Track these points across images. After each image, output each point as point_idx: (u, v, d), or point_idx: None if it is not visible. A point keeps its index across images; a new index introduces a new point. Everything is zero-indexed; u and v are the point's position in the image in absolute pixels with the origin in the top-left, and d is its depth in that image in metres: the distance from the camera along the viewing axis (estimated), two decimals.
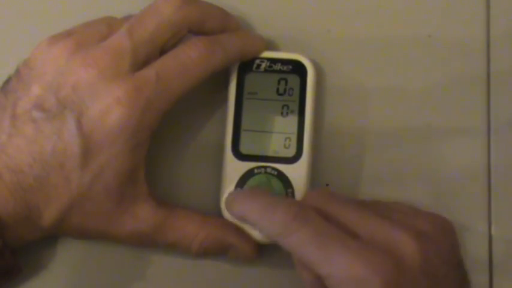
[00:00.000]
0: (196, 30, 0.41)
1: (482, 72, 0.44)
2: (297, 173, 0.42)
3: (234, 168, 0.42)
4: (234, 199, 0.41)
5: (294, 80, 0.42)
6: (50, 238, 0.41)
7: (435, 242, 0.37)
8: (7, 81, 0.40)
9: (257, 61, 0.43)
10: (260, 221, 0.38)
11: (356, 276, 0.35)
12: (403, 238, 0.36)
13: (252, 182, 0.42)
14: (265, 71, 0.43)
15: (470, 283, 0.39)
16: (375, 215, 0.38)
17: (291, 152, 0.42)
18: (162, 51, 0.40)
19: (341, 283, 0.35)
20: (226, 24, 0.43)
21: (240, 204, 0.40)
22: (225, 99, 0.43)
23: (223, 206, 0.42)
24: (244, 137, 0.42)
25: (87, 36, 0.40)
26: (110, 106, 0.38)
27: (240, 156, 0.42)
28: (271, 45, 0.44)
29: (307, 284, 0.39)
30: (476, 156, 0.44)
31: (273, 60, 0.43)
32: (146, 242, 0.41)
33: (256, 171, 0.42)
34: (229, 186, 0.42)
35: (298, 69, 0.42)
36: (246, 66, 0.43)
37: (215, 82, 0.43)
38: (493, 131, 0.44)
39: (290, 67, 0.43)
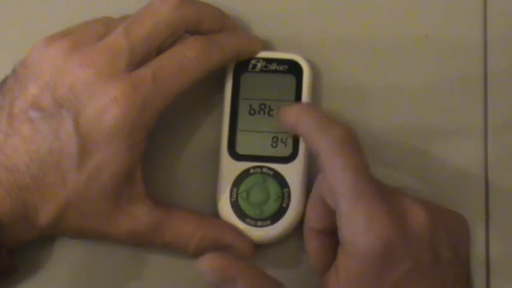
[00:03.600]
0: (193, 30, 0.41)
1: (479, 73, 0.44)
2: (293, 172, 0.42)
3: (230, 168, 0.42)
4: (289, 109, 0.40)
5: (289, 80, 0.42)
6: (46, 237, 0.42)
7: (444, 222, 0.38)
8: (4, 81, 0.41)
9: (253, 61, 0.43)
10: (316, 134, 0.38)
11: (370, 222, 0.36)
12: (415, 208, 0.37)
13: (248, 181, 0.42)
14: (261, 71, 0.43)
15: (472, 285, 0.39)
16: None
17: (287, 152, 0.42)
18: (159, 51, 0.41)
19: (353, 222, 0.36)
20: (223, 24, 0.43)
21: (296, 114, 0.40)
22: (221, 99, 0.43)
23: (220, 206, 0.42)
24: (240, 137, 0.42)
25: (84, 36, 0.41)
26: (106, 106, 0.38)
27: (236, 156, 0.42)
28: (267, 46, 0.44)
29: (312, 251, 0.40)
30: (474, 156, 0.44)
31: (269, 60, 0.43)
32: (143, 242, 0.41)
33: (252, 171, 0.42)
34: (225, 186, 0.42)
35: (294, 69, 0.43)
36: (242, 66, 0.43)
37: (211, 82, 0.43)
38: (490, 131, 0.44)
39: (286, 67, 0.43)
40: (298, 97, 0.42)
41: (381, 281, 0.36)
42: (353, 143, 0.37)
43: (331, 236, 0.39)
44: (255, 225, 0.41)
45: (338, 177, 0.37)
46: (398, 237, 0.36)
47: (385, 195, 0.37)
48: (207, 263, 0.36)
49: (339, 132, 0.37)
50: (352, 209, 0.36)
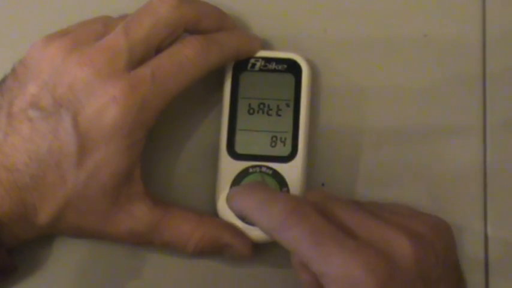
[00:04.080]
0: (192, 29, 0.41)
1: (478, 72, 0.44)
2: (292, 171, 0.42)
3: (229, 168, 0.42)
4: (233, 195, 0.40)
5: (288, 79, 0.43)
6: (45, 237, 0.41)
7: (430, 243, 0.37)
8: (3, 80, 0.41)
9: (252, 60, 0.43)
10: (257, 215, 0.38)
11: (351, 276, 0.35)
12: (398, 239, 0.36)
13: (247, 181, 0.42)
14: (260, 70, 0.43)
15: (466, 284, 0.39)
16: (371, 215, 0.38)
17: (286, 151, 0.42)
18: (158, 50, 0.40)
19: (335, 281, 0.35)
20: (222, 23, 0.43)
21: (239, 199, 0.40)
22: (220, 98, 0.43)
23: (219, 205, 0.42)
24: (239, 137, 0.42)
25: (83, 36, 0.40)
26: (105, 105, 0.38)
27: (235, 155, 0.42)
28: (266, 45, 0.44)
29: (304, 283, 0.39)
30: (472, 156, 0.44)
31: (268, 60, 0.43)
32: (142, 241, 0.41)
33: (251, 170, 0.42)
34: (224, 186, 0.42)
35: (293, 68, 0.43)
36: (241, 65, 0.43)
37: (210, 81, 0.43)
38: (489, 130, 0.44)
39: (285, 66, 0.43)
40: (297, 96, 0.42)
41: None
42: (297, 209, 0.37)
43: None
44: (254, 225, 0.41)
45: (298, 248, 0.36)
46: (387, 277, 0.35)
47: (360, 236, 0.36)
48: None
49: (276, 209, 0.37)
50: (329, 268, 0.35)
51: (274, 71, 0.43)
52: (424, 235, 0.37)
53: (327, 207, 0.38)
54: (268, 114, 0.42)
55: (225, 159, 0.42)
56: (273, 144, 0.42)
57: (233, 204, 0.40)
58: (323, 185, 0.44)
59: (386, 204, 0.41)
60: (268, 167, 0.42)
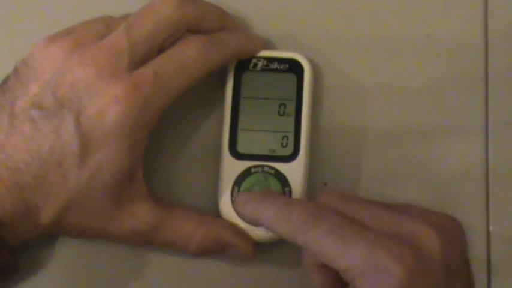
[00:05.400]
0: (194, 29, 0.41)
1: (480, 71, 0.44)
2: (294, 171, 0.42)
3: (231, 168, 0.42)
4: (245, 201, 0.40)
5: (291, 79, 0.42)
6: (47, 237, 0.41)
7: (452, 237, 0.37)
8: (5, 80, 0.41)
9: (254, 60, 0.43)
10: (276, 222, 0.38)
11: (378, 265, 0.34)
12: (423, 230, 0.36)
13: (249, 181, 0.42)
14: (262, 70, 0.43)
15: (474, 283, 0.39)
16: (391, 210, 0.37)
17: (288, 151, 0.42)
18: (160, 50, 0.41)
19: (361, 273, 0.35)
20: (224, 23, 0.43)
21: (254, 207, 0.40)
22: (222, 98, 0.43)
23: (221, 205, 0.42)
24: (241, 136, 0.42)
25: (84, 35, 0.41)
26: (107, 105, 0.38)
27: (237, 155, 0.42)
28: (269, 44, 0.44)
29: (318, 285, 0.39)
30: (475, 155, 0.44)
31: (270, 59, 0.43)
32: (144, 241, 0.41)
33: (253, 170, 0.42)
34: (226, 185, 0.42)
35: (295, 68, 0.43)
36: (243, 65, 0.43)
37: (212, 81, 0.43)
38: (491, 130, 0.44)
39: (287, 66, 0.43)
40: (299, 96, 0.42)
41: None
42: (316, 209, 0.37)
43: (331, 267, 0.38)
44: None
45: (319, 247, 0.36)
46: (416, 268, 0.35)
47: (383, 230, 0.36)
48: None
49: (296, 212, 0.37)
50: (354, 263, 0.35)
51: (276, 70, 0.43)
52: (446, 227, 0.37)
53: (344, 207, 0.38)
54: (270, 114, 0.42)
55: (227, 159, 0.42)
56: (275, 143, 0.42)
57: (246, 210, 0.40)
58: (325, 184, 0.44)
59: (399, 203, 0.40)
60: (270, 167, 0.42)
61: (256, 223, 0.40)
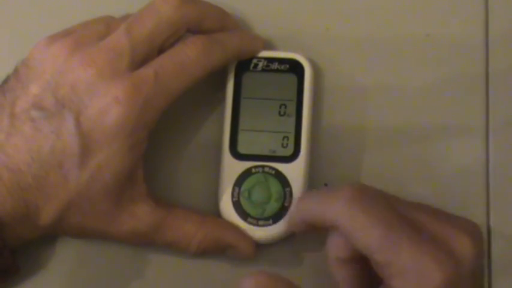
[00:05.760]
0: (195, 29, 0.41)
1: (480, 72, 0.44)
2: (295, 172, 0.42)
3: (231, 168, 0.42)
4: (292, 211, 0.41)
5: (291, 79, 0.42)
6: (48, 237, 0.41)
7: (480, 244, 0.38)
8: (5, 81, 0.41)
9: (255, 60, 0.43)
10: (321, 209, 0.38)
11: (420, 268, 0.35)
12: (460, 237, 0.36)
13: (249, 181, 0.42)
14: (263, 70, 0.43)
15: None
16: (424, 212, 0.38)
17: (288, 151, 0.42)
18: (161, 50, 0.41)
19: (403, 272, 0.35)
20: (225, 23, 0.43)
21: (299, 208, 0.40)
22: (222, 98, 0.43)
23: (221, 205, 0.42)
24: (241, 137, 0.42)
25: (85, 36, 0.41)
26: (108, 105, 0.38)
27: (237, 155, 0.42)
28: (269, 45, 0.44)
29: (342, 281, 0.39)
30: (475, 156, 0.44)
31: (271, 60, 0.43)
32: (144, 242, 0.41)
33: (253, 170, 0.42)
34: (227, 186, 0.42)
35: (296, 68, 0.43)
36: (244, 65, 0.43)
37: (213, 81, 0.43)
38: (492, 130, 0.44)
39: (287, 66, 0.43)
40: (299, 96, 0.42)
41: None
42: (364, 196, 0.37)
43: (358, 262, 0.38)
44: (257, 225, 0.41)
45: (366, 235, 0.36)
46: (452, 274, 0.35)
47: (424, 232, 0.36)
48: (251, 282, 0.35)
49: (344, 194, 0.37)
50: (396, 261, 0.35)
51: (277, 71, 0.43)
52: (476, 234, 0.37)
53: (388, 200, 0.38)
54: (271, 114, 0.42)
55: (227, 159, 0.42)
56: (276, 144, 0.42)
57: (296, 216, 0.40)
58: (326, 185, 0.44)
59: (417, 203, 0.40)
60: (270, 167, 0.42)
61: (307, 224, 0.39)
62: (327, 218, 0.37)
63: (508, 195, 0.43)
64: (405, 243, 0.35)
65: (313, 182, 0.42)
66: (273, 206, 0.41)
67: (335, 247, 0.39)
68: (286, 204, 0.41)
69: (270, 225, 0.41)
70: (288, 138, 0.42)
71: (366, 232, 0.36)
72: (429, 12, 0.45)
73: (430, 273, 0.35)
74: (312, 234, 0.41)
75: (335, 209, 0.37)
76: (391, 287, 0.36)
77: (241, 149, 0.42)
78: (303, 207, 0.40)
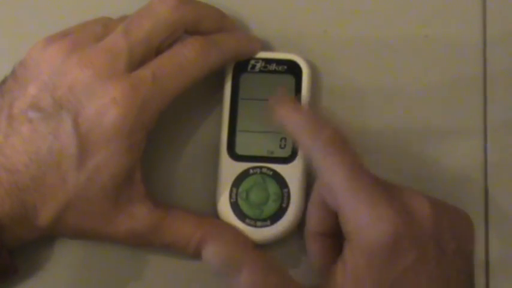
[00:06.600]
0: (192, 30, 0.42)
1: (478, 73, 0.44)
2: (293, 173, 0.42)
3: (229, 169, 0.42)
4: (277, 102, 0.40)
5: (289, 80, 0.43)
6: (46, 238, 0.41)
7: (449, 216, 0.37)
8: (3, 82, 0.41)
9: (252, 61, 0.43)
10: (304, 133, 0.38)
11: (374, 214, 0.35)
12: (419, 198, 0.37)
13: (247, 182, 0.42)
14: (260, 71, 0.43)
15: (474, 283, 0.39)
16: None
17: (286, 152, 0.42)
18: (158, 51, 0.41)
19: (356, 217, 0.36)
20: (222, 24, 0.43)
21: (284, 110, 0.40)
22: (220, 99, 0.43)
23: (219, 206, 0.42)
24: (239, 138, 0.42)
25: (83, 37, 0.41)
26: (106, 106, 0.38)
27: (235, 156, 0.42)
28: (266, 46, 0.44)
29: (313, 254, 0.40)
30: (473, 157, 0.44)
31: (268, 61, 0.43)
32: (142, 243, 0.41)
33: (251, 171, 0.42)
34: (225, 187, 0.42)
35: (293, 69, 0.43)
36: (241, 66, 0.43)
37: (210, 82, 0.43)
38: (490, 130, 0.44)
39: (285, 67, 0.43)
40: (297, 97, 0.42)
41: (388, 272, 0.35)
42: (342, 141, 0.38)
43: (333, 237, 0.39)
44: (255, 226, 0.41)
45: (333, 173, 0.37)
46: (404, 228, 0.35)
47: (386, 187, 0.37)
48: (213, 249, 0.36)
49: (327, 133, 0.37)
50: (354, 202, 0.36)
51: (275, 72, 0.43)
52: (443, 206, 0.38)
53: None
54: (269, 116, 0.42)
55: (225, 160, 0.42)
56: (274, 145, 0.42)
57: (278, 115, 0.40)
58: None
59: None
60: (268, 168, 0.42)
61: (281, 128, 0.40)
62: (306, 150, 0.39)
63: (506, 195, 0.43)
64: (366, 189, 0.36)
65: (311, 183, 0.42)
66: (270, 207, 0.41)
67: (313, 222, 0.40)
68: (284, 205, 0.41)
69: (268, 226, 0.41)
70: (285, 139, 0.42)
71: (335, 171, 0.37)
72: (427, 13, 0.45)
73: (382, 221, 0.35)
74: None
75: (315, 141, 0.38)
76: (345, 234, 0.37)
77: (239, 150, 0.42)
78: (288, 123, 0.39)
